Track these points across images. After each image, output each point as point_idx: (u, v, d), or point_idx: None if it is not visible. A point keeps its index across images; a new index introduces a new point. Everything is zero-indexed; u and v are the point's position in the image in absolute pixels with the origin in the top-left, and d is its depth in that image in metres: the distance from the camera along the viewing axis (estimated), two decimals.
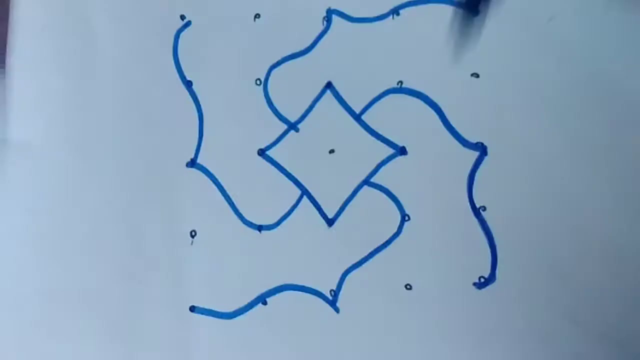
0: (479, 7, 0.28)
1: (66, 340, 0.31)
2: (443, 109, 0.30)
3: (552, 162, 0.29)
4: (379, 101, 0.30)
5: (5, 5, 0.32)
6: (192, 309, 0.30)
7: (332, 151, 0.31)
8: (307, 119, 0.31)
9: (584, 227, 0.29)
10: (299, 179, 0.31)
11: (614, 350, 0.28)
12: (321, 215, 0.31)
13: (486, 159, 0.30)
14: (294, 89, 0.31)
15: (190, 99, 0.31)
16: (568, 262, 0.29)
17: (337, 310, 0.30)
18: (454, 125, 0.30)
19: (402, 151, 0.30)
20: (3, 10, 0.32)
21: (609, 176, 0.28)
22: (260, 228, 0.31)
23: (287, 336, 0.30)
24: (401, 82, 0.30)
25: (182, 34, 0.32)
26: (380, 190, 0.30)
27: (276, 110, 0.31)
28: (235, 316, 0.30)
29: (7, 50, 0.32)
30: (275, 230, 0.31)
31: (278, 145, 0.31)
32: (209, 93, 0.31)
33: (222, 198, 0.31)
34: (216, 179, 0.31)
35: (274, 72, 0.31)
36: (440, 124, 0.30)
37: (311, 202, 0.31)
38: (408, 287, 0.30)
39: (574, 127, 0.29)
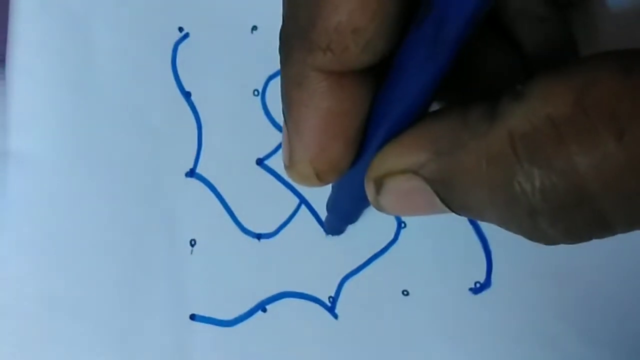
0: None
1: (66, 349, 0.31)
2: None
3: None
4: None
5: (4, 16, 0.32)
6: (193, 317, 0.31)
7: None
8: None
9: None
10: (297, 188, 0.31)
11: (610, 353, 0.29)
12: (319, 223, 0.31)
13: None
14: None
15: (189, 109, 0.32)
16: (563, 266, 0.29)
17: (335, 316, 0.31)
18: None
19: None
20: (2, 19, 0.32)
21: None
22: (259, 236, 0.31)
23: (287, 342, 0.30)
24: None
25: (181, 46, 0.32)
26: None
27: (274, 120, 0.32)
28: (235, 324, 0.31)
29: (7, 61, 0.32)
30: (274, 238, 0.31)
31: (276, 155, 0.31)
32: (207, 104, 0.32)
33: (221, 207, 0.31)
34: (215, 189, 0.31)
35: (272, 82, 0.32)
36: None
37: (309, 210, 0.31)
38: (405, 292, 0.30)
39: None
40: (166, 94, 0.32)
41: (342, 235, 0.31)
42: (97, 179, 0.32)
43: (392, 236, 0.31)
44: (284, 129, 0.18)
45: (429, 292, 0.30)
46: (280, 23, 0.20)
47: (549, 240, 0.16)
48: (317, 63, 0.16)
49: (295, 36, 0.16)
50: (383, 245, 0.31)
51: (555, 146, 0.13)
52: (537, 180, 0.14)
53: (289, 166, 0.19)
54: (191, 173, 0.32)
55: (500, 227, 0.17)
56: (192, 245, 0.31)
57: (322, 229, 0.31)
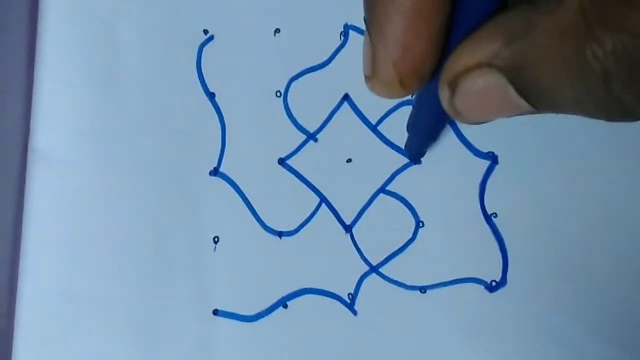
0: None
1: (90, 344, 0.32)
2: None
3: (560, 170, 0.30)
4: (395, 112, 0.32)
5: (34, 17, 0.33)
6: (215, 312, 0.31)
7: (349, 160, 0.32)
8: (325, 130, 0.32)
9: (593, 232, 0.30)
10: (317, 187, 0.32)
11: (624, 352, 0.29)
12: (339, 222, 0.32)
13: (497, 167, 0.31)
14: (312, 100, 0.32)
15: (213, 110, 0.33)
16: (577, 266, 0.30)
17: (354, 312, 0.31)
18: (465, 136, 0.31)
19: (416, 161, 0.32)
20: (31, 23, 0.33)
21: (618, 182, 0.30)
22: (280, 234, 0.32)
23: (307, 338, 0.31)
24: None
25: (205, 48, 0.33)
26: (396, 198, 0.32)
27: (295, 120, 0.32)
28: (257, 319, 0.31)
29: (35, 63, 0.33)
30: (295, 236, 0.32)
31: (297, 155, 0.32)
32: (231, 104, 0.33)
33: (244, 205, 0.32)
34: (238, 187, 0.32)
35: (294, 84, 0.32)
36: (453, 134, 0.31)
37: (329, 209, 0.32)
38: (422, 290, 0.31)
39: (582, 136, 0.30)
40: (191, 94, 0.33)
41: (363, 232, 0.32)
42: (122, 178, 0.32)
43: (410, 235, 0.31)
44: (366, 38, 0.18)
45: (446, 290, 0.31)
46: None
47: (626, 111, 0.16)
48: None
49: None
50: (401, 244, 0.31)
51: (624, 7, 0.14)
52: (609, 43, 0.14)
53: (371, 75, 0.18)
54: (215, 172, 0.32)
55: (577, 113, 0.17)
56: (216, 242, 0.32)
57: (342, 227, 0.32)
